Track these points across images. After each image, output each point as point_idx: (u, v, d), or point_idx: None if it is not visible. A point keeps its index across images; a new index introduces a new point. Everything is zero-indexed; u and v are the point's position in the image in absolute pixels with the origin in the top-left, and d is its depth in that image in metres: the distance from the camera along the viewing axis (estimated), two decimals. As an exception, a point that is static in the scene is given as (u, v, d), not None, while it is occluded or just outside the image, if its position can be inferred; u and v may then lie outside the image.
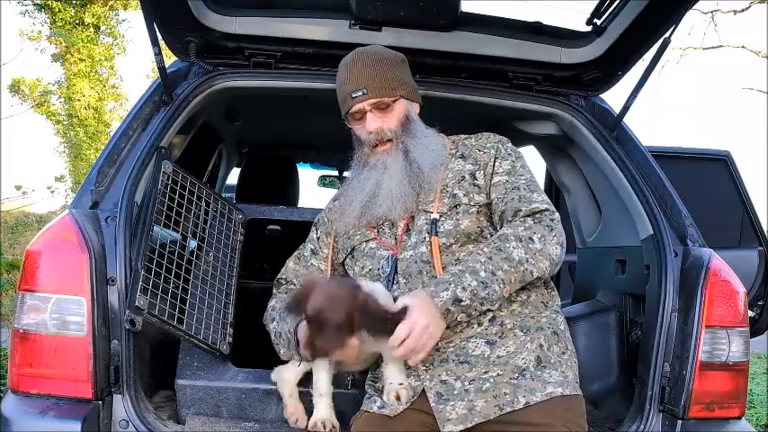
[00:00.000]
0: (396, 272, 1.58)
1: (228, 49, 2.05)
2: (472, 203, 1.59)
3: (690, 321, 1.71)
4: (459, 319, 1.44)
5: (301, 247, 1.83)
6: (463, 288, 1.41)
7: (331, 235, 1.78)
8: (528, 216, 1.52)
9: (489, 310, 1.49)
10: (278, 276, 1.81)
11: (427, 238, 1.56)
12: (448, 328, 1.45)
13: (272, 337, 1.67)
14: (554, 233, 1.49)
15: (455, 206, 1.59)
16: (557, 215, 1.54)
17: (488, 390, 1.43)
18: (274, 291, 1.79)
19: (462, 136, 1.74)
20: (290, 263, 1.81)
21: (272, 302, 1.74)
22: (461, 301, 1.41)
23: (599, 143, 2.07)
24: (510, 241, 1.47)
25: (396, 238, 1.62)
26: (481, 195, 1.60)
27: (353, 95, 1.61)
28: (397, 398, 1.47)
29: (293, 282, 1.77)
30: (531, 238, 1.47)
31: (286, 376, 1.69)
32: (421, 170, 1.59)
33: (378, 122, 1.62)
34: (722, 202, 3.36)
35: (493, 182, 1.60)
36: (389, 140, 1.63)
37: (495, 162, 1.62)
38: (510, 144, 1.69)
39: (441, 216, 1.58)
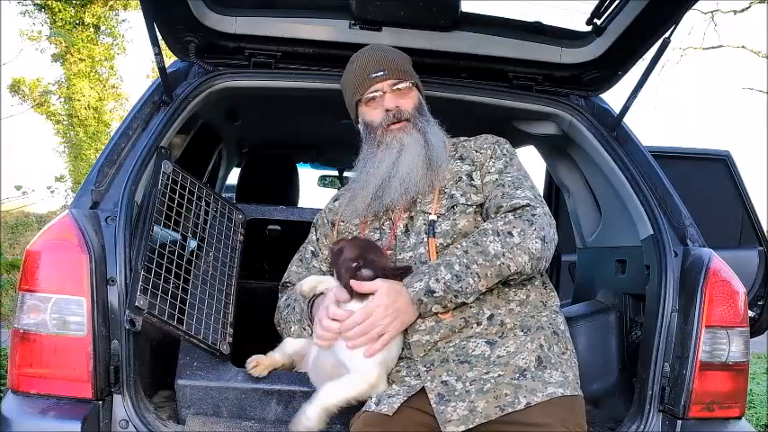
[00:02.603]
0: None
1: (228, 49, 2.06)
2: (469, 203, 1.59)
3: (690, 321, 1.71)
4: (433, 309, 1.46)
5: (302, 248, 1.84)
6: (437, 280, 1.44)
7: (330, 237, 1.78)
8: (509, 212, 1.52)
9: (488, 308, 1.50)
10: (282, 280, 1.83)
11: (425, 239, 1.57)
12: (421, 317, 1.48)
13: (284, 314, 1.72)
14: (534, 227, 1.48)
15: (452, 206, 1.59)
16: (539, 210, 1.52)
17: (489, 390, 1.43)
18: (280, 295, 1.81)
19: (462, 138, 1.75)
20: (293, 266, 1.83)
21: (280, 301, 1.78)
22: (434, 292, 1.44)
23: (599, 143, 2.07)
24: (488, 235, 1.47)
25: (395, 239, 1.62)
26: (478, 195, 1.60)
27: (373, 75, 1.64)
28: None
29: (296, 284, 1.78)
30: (509, 233, 1.47)
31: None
32: (438, 158, 1.61)
33: (396, 101, 1.65)
34: (722, 202, 3.36)
35: (484, 181, 1.61)
36: (407, 119, 1.64)
37: (489, 162, 1.63)
38: (507, 145, 1.69)
39: (438, 217, 1.58)
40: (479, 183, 1.61)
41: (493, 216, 1.54)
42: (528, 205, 1.52)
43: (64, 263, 1.59)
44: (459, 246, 1.49)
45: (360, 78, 1.67)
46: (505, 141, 1.70)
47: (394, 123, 1.64)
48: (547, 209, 1.56)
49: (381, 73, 1.64)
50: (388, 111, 1.64)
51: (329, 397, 1.46)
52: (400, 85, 1.66)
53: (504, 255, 1.45)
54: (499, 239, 1.46)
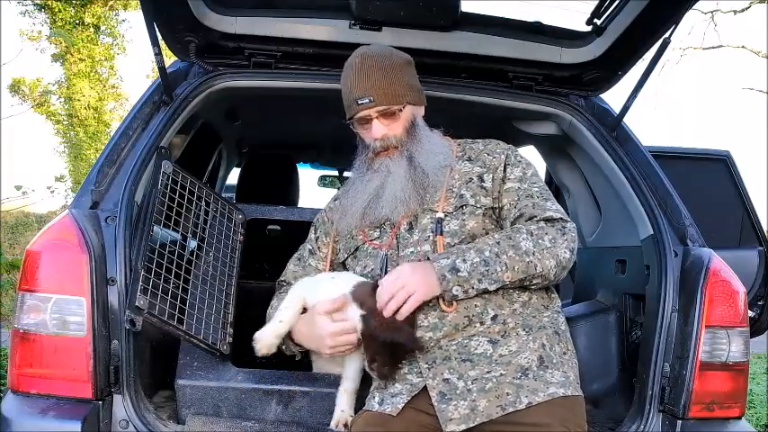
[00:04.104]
0: (387, 270, 1.59)
1: (228, 49, 2.06)
2: (478, 205, 1.60)
3: (690, 321, 1.71)
4: (455, 291, 1.46)
5: (301, 247, 1.85)
6: (464, 260, 1.46)
7: (330, 235, 1.78)
8: (541, 221, 1.54)
9: (493, 308, 1.50)
10: (279, 279, 1.83)
11: (431, 237, 1.57)
12: (442, 298, 1.48)
13: None
14: (566, 238, 1.52)
15: (461, 206, 1.60)
16: (570, 225, 1.56)
17: (491, 389, 1.43)
18: (276, 292, 1.81)
19: (469, 140, 1.75)
20: (291, 265, 1.82)
21: (273, 301, 1.77)
22: (459, 271, 1.45)
23: (599, 143, 2.07)
24: (521, 233, 1.50)
25: (397, 238, 1.62)
26: (488, 198, 1.61)
27: (359, 102, 1.61)
28: (345, 425, 1.56)
29: (291, 283, 1.78)
30: (542, 237, 1.50)
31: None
32: (425, 174, 1.60)
33: (383, 129, 1.63)
34: (722, 202, 3.35)
35: (504, 187, 1.62)
36: (395, 147, 1.64)
37: (505, 168, 1.64)
38: (519, 152, 1.71)
39: (446, 216, 1.59)
40: (490, 186, 1.62)
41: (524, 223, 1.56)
42: (561, 219, 1.55)
43: (64, 263, 1.59)
44: (491, 237, 1.51)
45: (348, 100, 1.66)
46: (516, 149, 1.71)
47: (381, 151, 1.64)
48: (574, 225, 1.59)
49: (367, 101, 1.60)
50: (376, 139, 1.64)
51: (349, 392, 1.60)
52: (388, 112, 1.62)
53: (534, 254, 1.47)
54: (532, 239, 1.49)
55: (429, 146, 1.64)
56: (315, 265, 1.78)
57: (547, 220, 1.54)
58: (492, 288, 1.47)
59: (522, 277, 1.48)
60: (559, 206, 1.61)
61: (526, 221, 1.55)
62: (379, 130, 1.62)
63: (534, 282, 1.51)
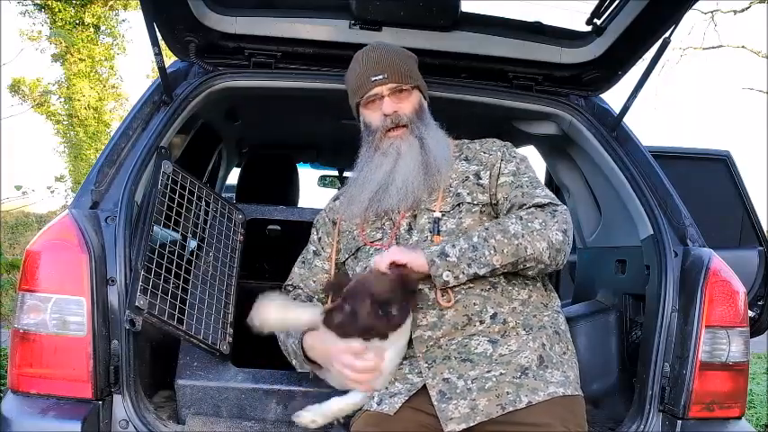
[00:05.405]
0: None
1: (228, 49, 2.06)
2: (475, 202, 1.60)
3: (690, 321, 1.71)
4: (445, 277, 1.46)
5: (304, 250, 1.83)
6: (453, 246, 1.48)
7: (332, 235, 1.78)
8: (531, 207, 1.55)
9: (492, 306, 1.50)
10: (285, 283, 1.81)
11: (429, 237, 1.57)
12: (429, 279, 1.47)
13: (283, 349, 1.67)
14: (556, 220, 1.51)
15: (458, 204, 1.60)
16: (561, 208, 1.55)
17: (491, 389, 1.43)
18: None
19: (466, 141, 1.76)
20: (296, 269, 1.81)
21: None
22: (448, 255, 1.46)
23: (599, 143, 2.07)
24: (510, 219, 1.51)
25: (397, 239, 1.62)
26: (485, 195, 1.61)
27: (373, 79, 1.64)
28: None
29: (300, 286, 1.77)
30: (531, 221, 1.50)
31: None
32: (436, 162, 1.61)
33: (394, 106, 1.65)
34: (722, 202, 3.35)
35: (499, 182, 1.62)
36: (404, 126, 1.65)
37: (501, 164, 1.64)
38: (514, 149, 1.72)
39: (443, 215, 1.59)
40: (487, 182, 1.62)
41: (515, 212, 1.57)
42: (550, 204, 1.55)
43: (64, 263, 1.59)
44: (482, 225, 1.53)
45: (360, 80, 1.67)
46: (512, 145, 1.72)
47: (392, 129, 1.65)
48: (566, 207, 1.58)
49: (381, 76, 1.64)
50: (386, 116, 1.64)
51: (330, 408, 1.52)
52: (400, 89, 1.65)
53: (523, 236, 1.48)
54: (521, 223, 1.50)
55: (436, 134, 1.67)
56: (321, 265, 1.77)
57: (537, 206, 1.54)
58: (482, 272, 1.47)
59: (513, 260, 1.48)
60: (549, 192, 1.61)
61: (517, 210, 1.56)
62: (390, 107, 1.64)
63: (528, 266, 1.50)
